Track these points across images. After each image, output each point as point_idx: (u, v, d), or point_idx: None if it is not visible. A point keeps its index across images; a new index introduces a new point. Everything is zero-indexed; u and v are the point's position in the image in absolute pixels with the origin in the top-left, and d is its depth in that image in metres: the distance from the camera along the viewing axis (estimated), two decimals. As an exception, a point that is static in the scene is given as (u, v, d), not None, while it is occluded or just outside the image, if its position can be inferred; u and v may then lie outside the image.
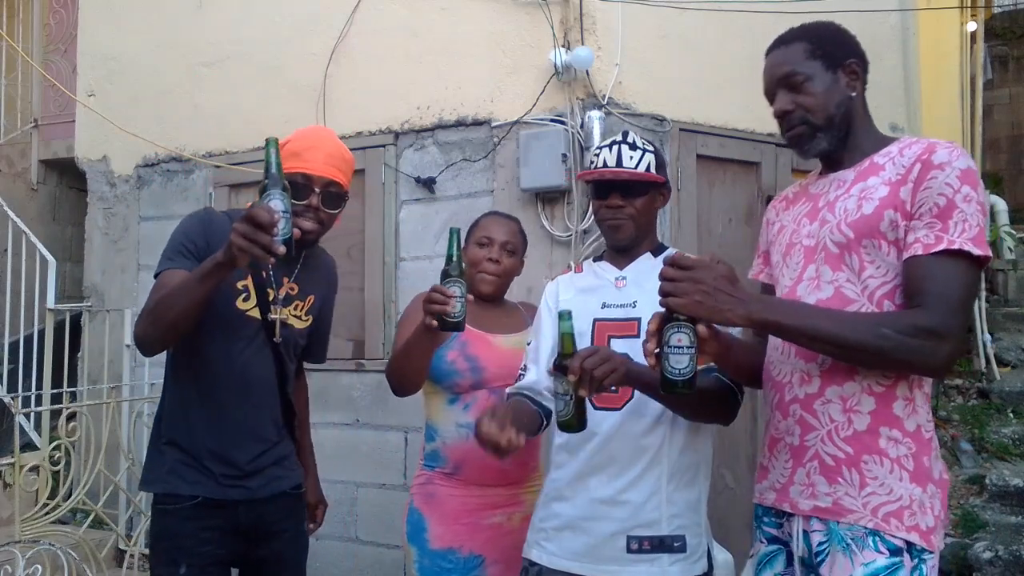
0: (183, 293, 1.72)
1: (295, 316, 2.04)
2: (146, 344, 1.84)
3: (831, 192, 1.59)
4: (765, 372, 1.66)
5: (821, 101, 1.56)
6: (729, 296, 1.42)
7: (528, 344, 2.00)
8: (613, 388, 1.64)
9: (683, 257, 1.45)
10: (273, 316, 1.97)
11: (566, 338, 1.59)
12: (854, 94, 1.58)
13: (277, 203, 1.57)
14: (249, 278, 1.94)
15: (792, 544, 1.58)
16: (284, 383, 2.03)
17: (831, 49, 1.59)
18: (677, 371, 1.42)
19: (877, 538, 1.45)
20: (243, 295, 1.94)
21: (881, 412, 1.48)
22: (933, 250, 1.41)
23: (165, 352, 1.96)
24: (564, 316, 1.60)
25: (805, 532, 1.54)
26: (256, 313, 1.95)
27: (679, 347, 1.42)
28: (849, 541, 1.46)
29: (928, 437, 1.50)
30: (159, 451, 1.97)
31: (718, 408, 1.75)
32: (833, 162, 1.62)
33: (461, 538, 2.11)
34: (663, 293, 1.42)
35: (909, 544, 1.44)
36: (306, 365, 2.24)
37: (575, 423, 1.60)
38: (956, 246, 1.39)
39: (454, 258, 1.82)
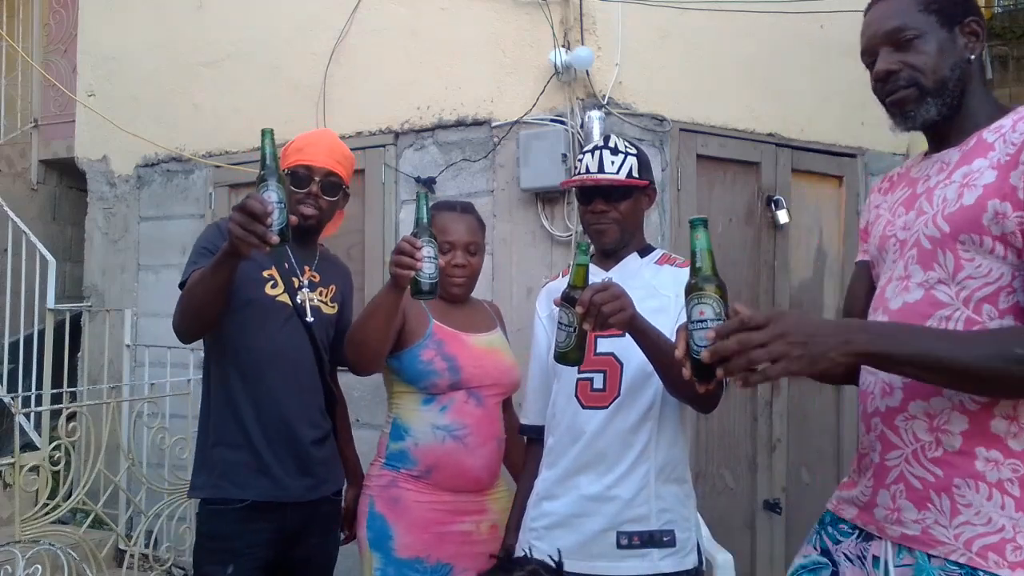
0: (201, 283, 1.82)
1: (322, 301, 2.11)
2: (180, 333, 1.96)
3: (932, 177, 1.38)
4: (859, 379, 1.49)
5: (934, 61, 1.34)
6: (825, 336, 1.19)
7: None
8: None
9: (750, 316, 1.19)
10: (301, 298, 2.05)
11: (580, 270, 1.55)
12: (972, 57, 1.36)
13: (272, 194, 1.59)
14: (274, 267, 2.02)
15: (848, 568, 1.43)
16: (322, 369, 2.09)
17: (948, 3, 1.36)
18: (702, 348, 1.23)
19: None
20: (270, 282, 2.02)
21: (976, 432, 1.27)
22: None
23: (200, 362, 2.03)
24: (583, 247, 1.58)
25: (876, 558, 1.37)
26: (286, 299, 2.03)
27: (702, 321, 1.24)
28: None
29: None
30: (207, 456, 2.02)
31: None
32: (939, 139, 1.41)
33: (429, 547, 2.06)
34: (761, 360, 1.17)
35: None
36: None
37: (574, 355, 1.57)
38: None
39: (423, 220, 1.81)
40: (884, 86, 1.40)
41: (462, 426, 2.09)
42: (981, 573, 1.24)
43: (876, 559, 1.37)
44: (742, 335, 1.17)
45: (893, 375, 1.33)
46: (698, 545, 1.81)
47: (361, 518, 2.13)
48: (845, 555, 1.45)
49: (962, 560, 1.25)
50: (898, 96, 1.38)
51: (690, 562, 1.76)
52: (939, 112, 1.37)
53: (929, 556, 1.29)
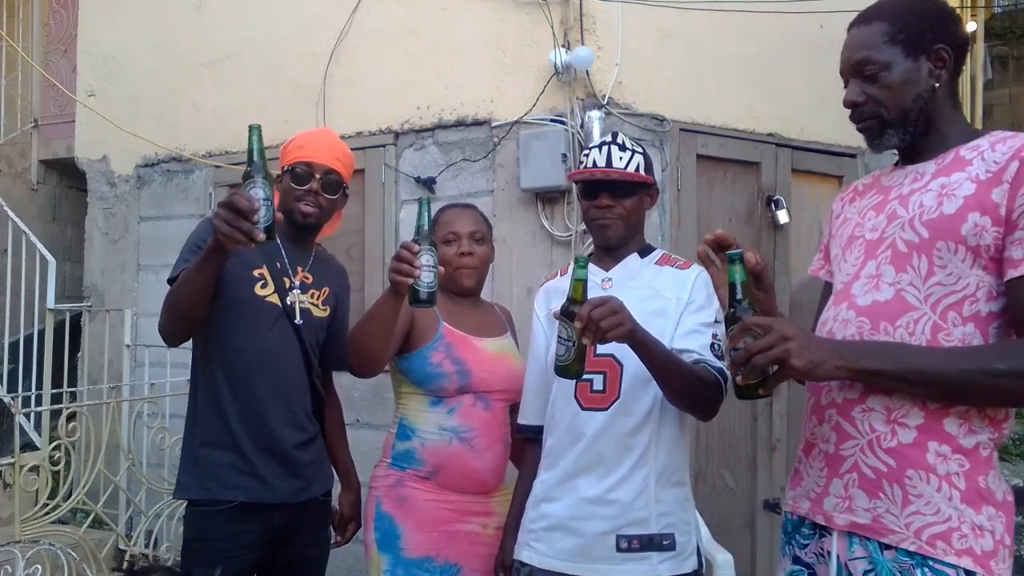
0: (188, 282, 1.81)
1: (312, 304, 2.08)
2: (166, 334, 1.93)
3: (906, 185, 1.44)
4: None
5: (896, 94, 1.41)
6: (820, 347, 1.30)
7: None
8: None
9: (754, 321, 1.32)
10: (291, 300, 2.02)
11: (578, 285, 1.56)
12: (937, 84, 1.41)
13: (258, 191, 1.58)
14: (265, 266, 2.00)
15: (819, 568, 1.46)
16: (310, 372, 2.07)
17: (917, 32, 1.40)
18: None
19: (926, 568, 1.30)
20: (260, 282, 2.00)
21: (930, 427, 1.33)
22: None
23: (190, 361, 2.04)
24: (580, 263, 1.58)
25: (830, 554, 1.42)
26: (276, 300, 2.01)
27: (739, 350, 1.32)
28: (897, 574, 1.32)
29: (987, 455, 1.34)
30: (193, 458, 2.01)
31: (703, 397, 1.73)
32: (912, 154, 1.47)
33: (438, 546, 2.06)
34: (767, 362, 1.27)
35: (967, 573, 1.29)
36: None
37: (574, 368, 1.58)
38: None
39: (424, 228, 1.79)
40: (853, 114, 1.48)
41: (469, 428, 2.09)
42: (931, 562, 1.31)
43: (830, 554, 1.43)
44: (749, 343, 1.28)
45: None
46: (698, 548, 1.80)
47: (368, 520, 2.11)
48: (816, 554, 1.49)
49: (912, 548, 1.32)
50: (863, 126, 1.47)
51: (689, 565, 1.75)
52: (902, 140, 1.44)
53: (882, 548, 1.35)
